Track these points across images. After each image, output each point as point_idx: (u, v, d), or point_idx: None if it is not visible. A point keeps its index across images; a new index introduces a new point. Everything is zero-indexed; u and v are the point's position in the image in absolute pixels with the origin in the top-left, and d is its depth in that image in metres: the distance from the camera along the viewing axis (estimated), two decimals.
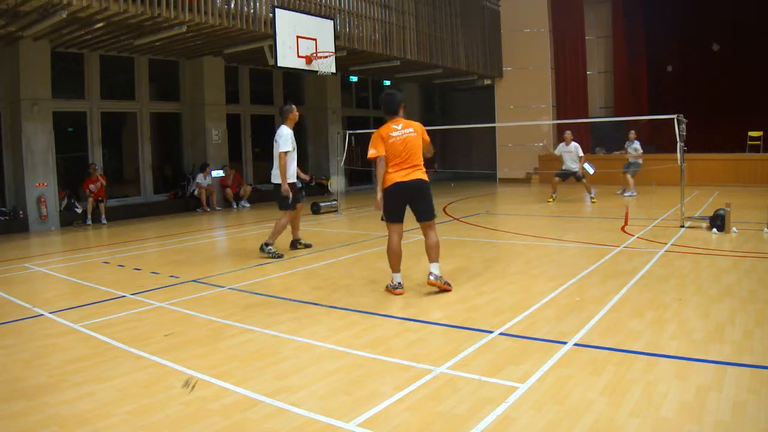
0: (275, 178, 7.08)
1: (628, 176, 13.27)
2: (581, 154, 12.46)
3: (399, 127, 5.24)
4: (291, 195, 7.00)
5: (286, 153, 6.93)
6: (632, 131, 13.32)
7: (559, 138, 18.65)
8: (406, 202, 5.23)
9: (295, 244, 7.62)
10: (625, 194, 13.25)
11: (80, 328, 4.41)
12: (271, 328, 4.29)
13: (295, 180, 7.17)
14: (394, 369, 3.41)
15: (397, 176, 5.16)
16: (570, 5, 18.35)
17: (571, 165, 12.49)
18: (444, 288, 5.17)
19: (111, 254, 7.97)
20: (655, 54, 18.75)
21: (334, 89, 17.17)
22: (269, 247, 7.08)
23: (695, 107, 15.06)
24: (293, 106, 7.20)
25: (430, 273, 5.19)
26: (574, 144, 12.46)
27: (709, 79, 17.38)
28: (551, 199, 12.70)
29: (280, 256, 7.04)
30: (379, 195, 5.19)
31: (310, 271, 6.33)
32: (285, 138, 6.94)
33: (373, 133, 5.34)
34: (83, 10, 8.43)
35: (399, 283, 5.23)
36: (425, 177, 5.26)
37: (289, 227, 7.46)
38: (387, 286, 5.33)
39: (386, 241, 5.34)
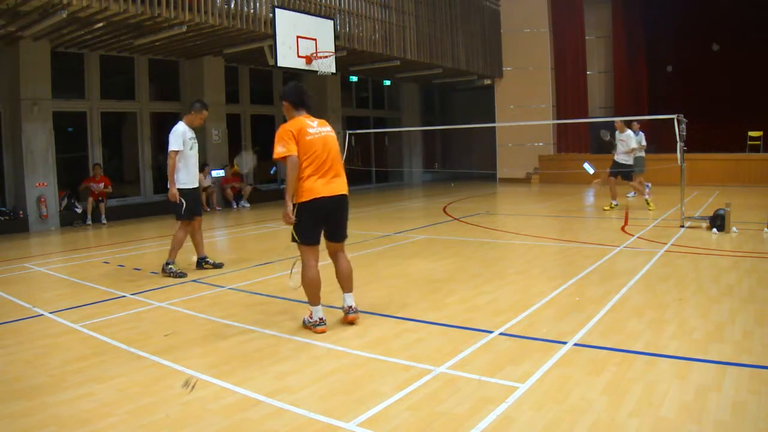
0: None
1: (639, 177, 11.96)
2: (633, 145, 10.82)
3: (314, 124, 4.29)
4: (181, 202, 6.16)
5: (176, 153, 6.07)
6: (635, 122, 12.16)
7: (559, 137, 18.75)
8: (325, 220, 4.31)
9: (200, 263, 6.56)
10: (646, 195, 11.83)
11: (80, 328, 4.41)
12: (271, 328, 4.29)
13: (194, 186, 6.31)
14: (394, 369, 3.41)
15: (317, 187, 4.16)
16: (570, 5, 18.36)
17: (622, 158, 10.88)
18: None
19: (111, 254, 7.97)
20: (655, 54, 18.77)
21: (334, 89, 17.17)
22: (170, 267, 6.21)
23: (695, 107, 15.06)
24: (203, 110, 6.30)
25: (349, 307, 4.34)
26: (630, 132, 10.86)
27: (709, 79, 17.39)
28: (609, 207, 10.90)
29: (182, 275, 6.16)
30: (290, 206, 4.15)
31: None
32: (176, 136, 6.08)
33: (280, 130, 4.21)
34: (83, 10, 8.43)
35: (320, 319, 4.21)
36: (347, 189, 4.38)
37: (192, 244, 6.57)
38: (304, 323, 4.30)
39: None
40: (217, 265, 6.59)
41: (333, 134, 4.38)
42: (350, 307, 4.36)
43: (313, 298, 4.28)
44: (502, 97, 18.90)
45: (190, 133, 6.23)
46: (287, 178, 4.16)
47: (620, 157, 11.18)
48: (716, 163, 15.41)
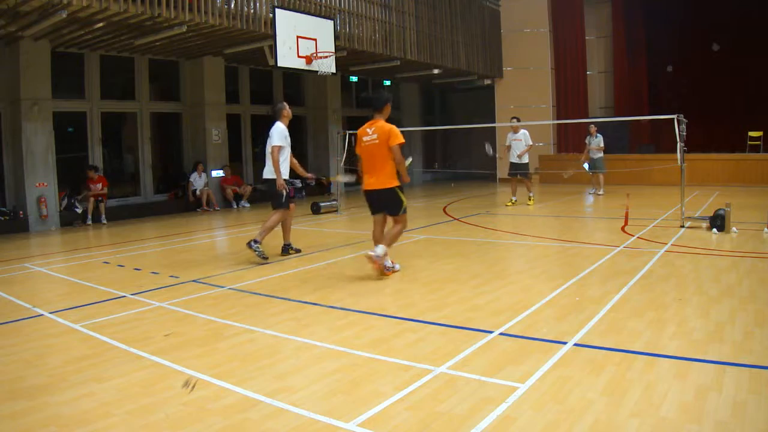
0: (268, 173, 6.91)
1: (600, 176, 13.61)
2: (530, 142, 11.83)
3: (370, 132, 5.80)
4: (285, 192, 6.82)
5: (279, 148, 6.78)
6: (592, 125, 13.42)
7: (559, 137, 18.75)
8: (374, 202, 6.01)
9: (286, 249, 7.30)
10: (599, 193, 13.57)
11: (80, 328, 4.41)
12: (271, 328, 4.29)
13: (288, 178, 7.02)
14: (394, 369, 3.41)
15: (364, 182, 5.97)
16: (570, 5, 18.35)
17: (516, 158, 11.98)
18: (382, 272, 5.82)
19: (111, 254, 7.97)
20: (655, 54, 18.76)
21: (334, 89, 17.17)
22: (257, 245, 6.78)
23: (695, 107, 15.07)
24: (285, 104, 7.07)
25: (376, 254, 5.72)
26: (522, 132, 11.82)
27: (709, 79, 17.38)
28: (510, 203, 12.02)
29: (265, 259, 6.80)
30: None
31: (310, 271, 6.33)
32: (279, 132, 6.83)
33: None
34: (83, 10, 8.43)
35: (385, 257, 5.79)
36: (385, 184, 5.80)
37: (280, 230, 7.22)
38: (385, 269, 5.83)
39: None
40: (297, 250, 7.37)
41: (377, 141, 5.73)
42: (374, 251, 5.76)
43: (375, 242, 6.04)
44: (502, 97, 18.90)
45: (286, 131, 6.99)
46: None
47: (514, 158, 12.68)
48: (716, 163, 15.41)
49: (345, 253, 7.39)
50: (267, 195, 7.10)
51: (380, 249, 5.70)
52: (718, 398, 2.85)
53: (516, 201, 12.09)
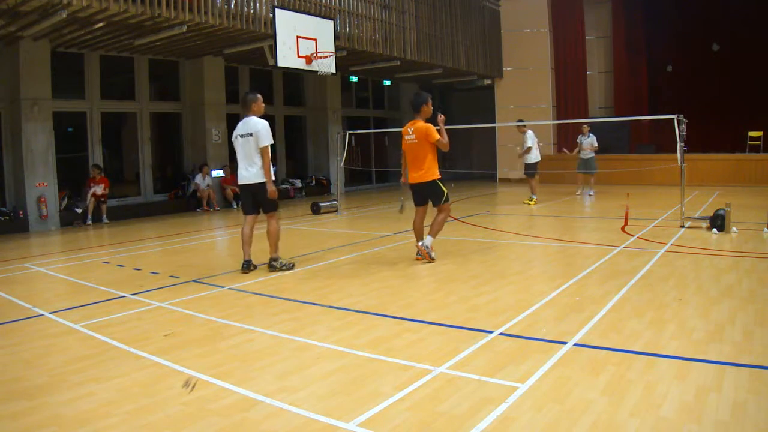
0: (254, 177, 6.01)
1: (591, 177, 13.75)
2: (528, 144, 12.20)
3: (410, 132, 6.44)
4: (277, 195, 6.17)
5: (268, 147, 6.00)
6: (585, 125, 13.54)
7: (559, 137, 18.75)
8: (419, 193, 6.60)
9: (248, 266, 6.28)
10: (590, 193, 13.71)
11: (80, 328, 4.41)
12: (271, 328, 4.29)
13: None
14: (394, 369, 3.41)
15: (409, 176, 6.60)
16: (570, 5, 18.35)
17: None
18: (428, 258, 6.41)
19: (111, 254, 7.97)
20: (655, 54, 18.75)
21: (334, 89, 17.17)
22: (278, 261, 6.29)
23: (695, 107, 15.07)
24: (259, 96, 6.16)
25: (423, 243, 6.43)
26: (526, 133, 12.27)
27: (709, 79, 17.38)
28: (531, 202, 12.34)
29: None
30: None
31: (310, 271, 6.33)
32: (267, 129, 5.96)
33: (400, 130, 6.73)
34: (83, 10, 8.43)
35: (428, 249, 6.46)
36: (426, 177, 6.40)
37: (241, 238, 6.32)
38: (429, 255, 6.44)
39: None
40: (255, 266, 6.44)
41: (415, 141, 6.38)
42: (423, 243, 6.47)
43: (417, 236, 6.71)
44: (502, 97, 18.89)
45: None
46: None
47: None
48: (716, 163, 15.40)
49: (345, 253, 7.39)
50: (252, 201, 6.19)
51: (428, 240, 6.44)
52: (718, 398, 2.85)
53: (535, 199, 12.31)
